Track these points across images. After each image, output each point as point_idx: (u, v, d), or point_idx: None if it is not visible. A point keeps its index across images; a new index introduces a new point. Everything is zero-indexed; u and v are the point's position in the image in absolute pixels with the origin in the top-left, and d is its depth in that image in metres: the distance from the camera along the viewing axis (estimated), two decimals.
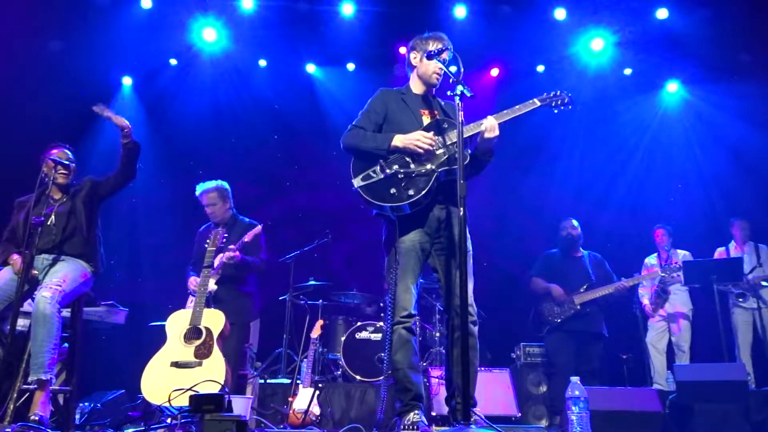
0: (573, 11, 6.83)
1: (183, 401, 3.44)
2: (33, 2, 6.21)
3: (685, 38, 6.85)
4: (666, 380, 6.10)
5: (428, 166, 3.27)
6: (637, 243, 6.94)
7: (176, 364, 3.98)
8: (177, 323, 4.21)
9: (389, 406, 3.99)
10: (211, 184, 5.13)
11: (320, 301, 6.26)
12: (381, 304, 6.27)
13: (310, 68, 7.68)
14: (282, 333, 6.02)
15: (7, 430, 3.18)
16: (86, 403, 4.86)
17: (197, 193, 5.15)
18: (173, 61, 7.28)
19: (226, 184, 5.19)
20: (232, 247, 4.67)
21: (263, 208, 7.12)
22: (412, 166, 3.27)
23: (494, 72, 7.62)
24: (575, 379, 3.34)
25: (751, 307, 6.24)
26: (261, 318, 5.85)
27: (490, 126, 3.27)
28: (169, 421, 3.56)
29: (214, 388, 3.65)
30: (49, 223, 4.00)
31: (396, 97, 3.56)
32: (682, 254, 6.43)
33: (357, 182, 3.30)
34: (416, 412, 3.11)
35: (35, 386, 3.57)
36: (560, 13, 6.84)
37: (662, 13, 6.77)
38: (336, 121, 7.18)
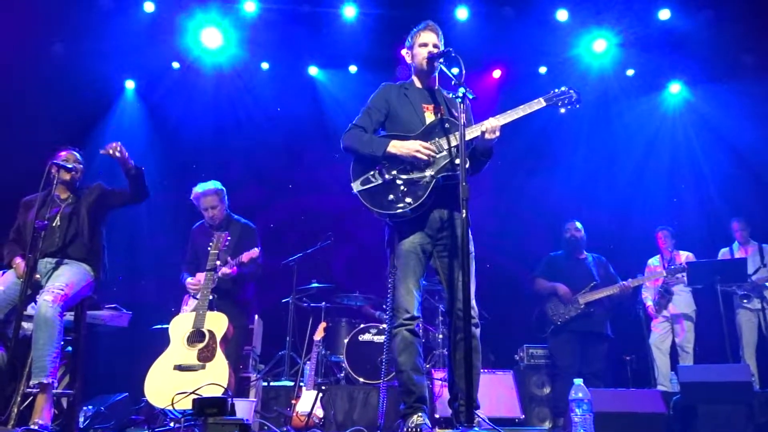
0: (575, 12, 6.83)
1: (186, 404, 3.44)
2: (37, 6, 6.22)
3: (688, 39, 6.85)
4: (670, 381, 6.09)
5: (428, 173, 3.24)
6: (640, 244, 6.93)
7: (179, 368, 3.98)
8: (180, 326, 4.21)
9: (392, 408, 3.99)
10: (209, 185, 5.03)
11: (323, 303, 6.25)
12: (384, 306, 6.26)
13: (313, 71, 7.69)
14: (285, 335, 6.02)
15: None
16: (90, 407, 4.85)
17: (194, 194, 5.06)
18: (176, 65, 7.29)
19: (220, 185, 5.13)
20: (230, 261, 4.66)
21: (265, 211, 7.13)
22: (412, 172, 3.25)
23: (496, 74, 7.62)
24: (578, 380, 3.34)
25: (755, 308, 6.23)
26: (264, 321, 5.85)
27: (491, 128, 3.25)
28: (172, 424, 3.56)
29: (218, 392, 3.65)
30: (54, 224, 4.02)
31: (398, 91, 3.53)
32: (684, 255, 6.42)
33: (356, 186, 3.28)
34: (420, 414, 3.11)
35: (38, 390, 3.58)
36: (562, 15, 6.84)
37: (664, 14, 6.76)
38: (338, 124, 7.17)
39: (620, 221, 7.35)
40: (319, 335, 5.45)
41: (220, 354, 4.06)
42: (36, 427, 3.45)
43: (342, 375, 5.77)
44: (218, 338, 4.13)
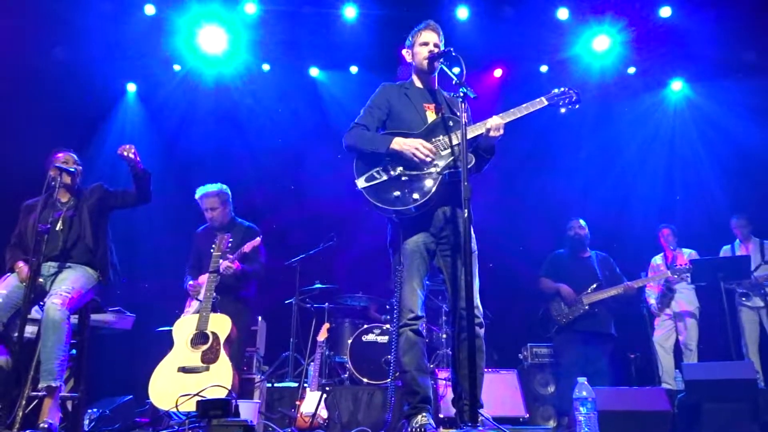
0: (575, 11, 6.82)
1: (190, 406, 3.44)
2: (38, 10, 6.23)
3: (689, 36, 6.83)
4: (674, 379, 6.08)
5: (433, 169, 3.24)
6: (643, 242, 6.92)
7: (183, 369, 3.99)
8: (184, 328, 4.21)
9: (397, 408, 3.99)
10: (212, 187, 5.09)
11: (326, 304, 6.25)
12: (387, 307, 6.26)
13: (314, 72, 7.69)
14: (289, 337, 6.03)
15: None
16: (95, 409, 4.87)
17: (197, 196, 5.12)
18: (177, 67, 7.30)
19: (226, 188, 5.16)
20: (230, 257, 4.68)
21: (267, 212, 7.14)
22: (417, 168, 3.25)
23: (497, 73, 7.61)
24: (582, 379, 3.33)
25: (756, 306, 6.22)
26: (267, 322, 5.86)
27: (495, 125, 3.25)
28: (176, 426, 3.57)
29: (221, 393, 3.65)
30: (57, 228, 4.02)
31: (399, 92, 3.53)
32: (687, 253, 6.41)
33: (360, 183, 3.26)
34: (424, 414, 3.10)
35: (44, 393, 3.58)
36: (563, 13, 6.83)
37: (665, 11, 6.75)
38: (340, 124, 7.17)
39: (623, 219, 7.34)
40: (322, 336, 5.45)
41: (223, 356, 4.07)
42: (46, 426, 3.46)
43: (346, 376, 5.77)
44: (222, 340, 4.14)
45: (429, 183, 3.22)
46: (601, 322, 5.75)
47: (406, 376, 3.18)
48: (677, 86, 7.70)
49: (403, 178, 3.23)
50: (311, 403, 4.85)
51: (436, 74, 3.55)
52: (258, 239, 4.85)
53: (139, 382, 4.32)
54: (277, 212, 7.32)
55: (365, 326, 5.91)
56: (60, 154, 4.22)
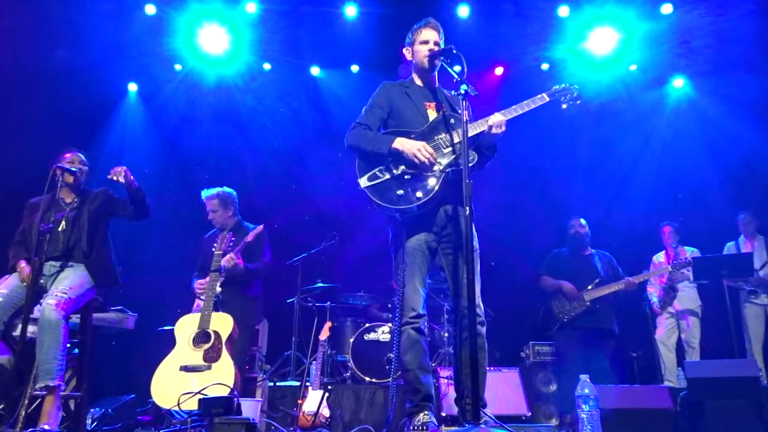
0: (576, 8, 6.81)
1: (192, 405, 3.45)
2: (40, 11, 6.24)
3: (690, 33, 6.82)
4: (677, 377, 6.06)
5: (436, 167, 3.24)
6: (645, 240, 6.91)
7: (185, 368, 3.99)
8: (186, 327, 4.22)
9: (399, 406, 3.99)
10: (214, 190, 5.18)
11: (328, 303, 6.26)
12: (389, 305, 6.26)
13: (315, 71, 7.69)
14: (291, 335, 6.03)
15: None
16: (97, 409, 4.88)
17: (202, 198, 5.21)
18: (178, 67, 7.30)
19: (230, 190, 5.21)
20: (232, 254, 4.68)
21: (269, 212, 7.12)
22: (419, 167, 3.24)
23: (499, 71, 7.60)
24: (584, 377, 3.33)
25: (762, 303, 6.21)
26: (269, 321, 5.86)
27: (497, 122, 3.25)
28: (179, 425, 3.57)
29: (224, 392, 3.65)
30: (59, 228, 4.02)
31: (399, 90, 3.52)
32: (689, 251, 6.40)
33: (363, 182, 3.26)
34: (426, 412, 3.11)
35: (45, 393, 3.59)
36: (564, 11, 6.81)
37: (667, 8, 6.73)
38: (341, 123, 7.17)
39: (624, 217, 7.32)
40: (324, 335, 5.46)
41: (225, 354, 4.07)
42: (47, 428, 3.46)
43: (348, 374, 5.77)
44: (224, 339, 4.14)
45: (432, 181, 3.22)
46: (602, 319, 5.74)
47: (409, 375, 3.18)
48: (679, 83, 7.68)
49: (406, 177, 3.23)
50: (313, 401, 4.86)
51: (437, 72, 3.55)
52: (261, 227, 4.89)
53: (141, 381, 4.33)
54: (279, 211, 7.31)
55: (367, 325, 5.92)
56: (68, 155, 4.23)
